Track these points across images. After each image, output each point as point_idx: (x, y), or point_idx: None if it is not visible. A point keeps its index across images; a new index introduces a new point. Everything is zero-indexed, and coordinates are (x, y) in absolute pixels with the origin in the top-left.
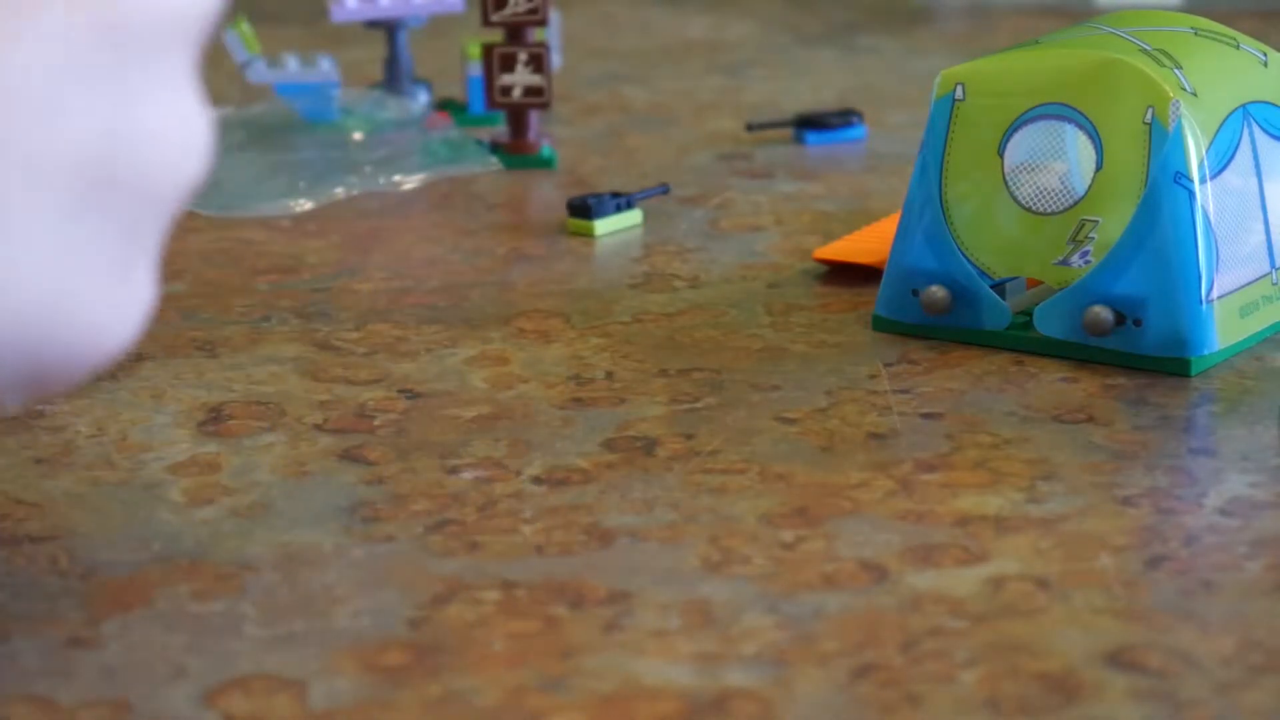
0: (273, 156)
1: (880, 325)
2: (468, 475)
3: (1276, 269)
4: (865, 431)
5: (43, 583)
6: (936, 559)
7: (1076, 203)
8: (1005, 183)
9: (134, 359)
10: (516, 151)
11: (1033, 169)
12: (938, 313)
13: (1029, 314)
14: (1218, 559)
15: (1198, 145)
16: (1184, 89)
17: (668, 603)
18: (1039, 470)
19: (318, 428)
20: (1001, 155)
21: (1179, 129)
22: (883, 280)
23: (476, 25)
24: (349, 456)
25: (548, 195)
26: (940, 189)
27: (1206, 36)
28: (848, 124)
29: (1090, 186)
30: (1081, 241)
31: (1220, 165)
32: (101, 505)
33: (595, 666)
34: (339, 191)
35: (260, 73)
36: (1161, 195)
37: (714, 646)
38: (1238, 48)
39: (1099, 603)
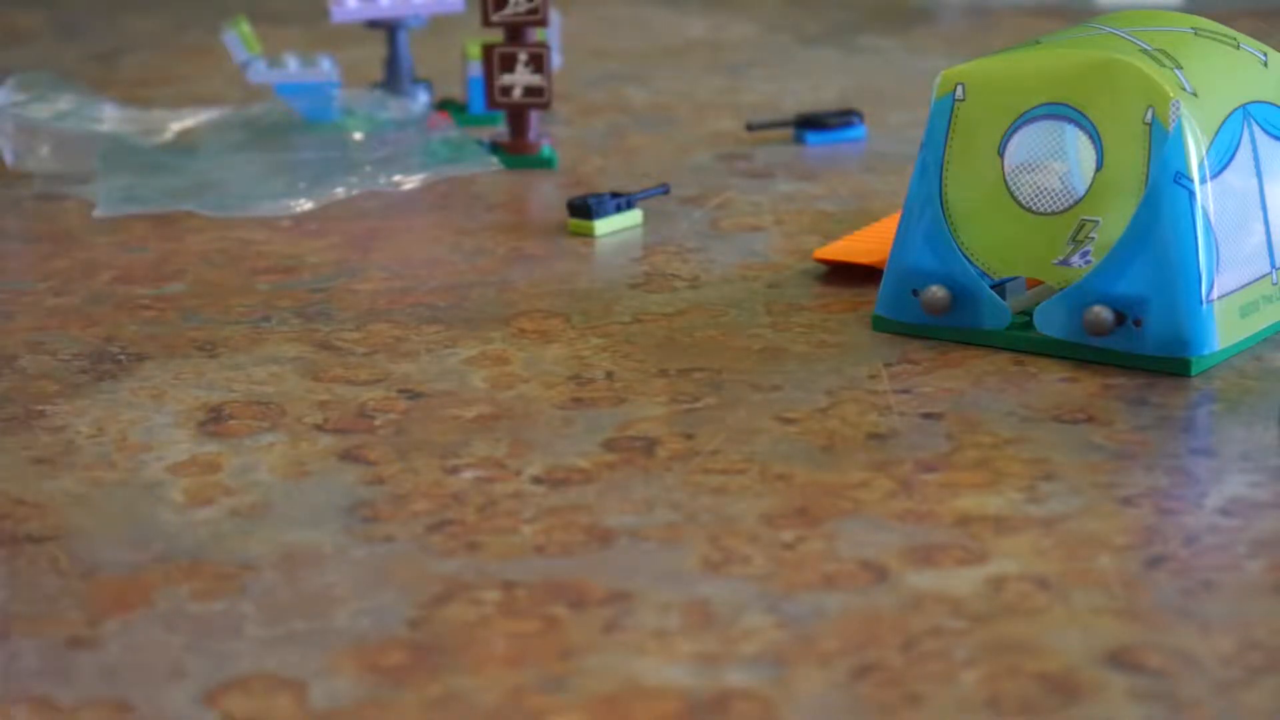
0: (273, 156)
1: (880, 325)
2: (468, 475)
3: (1276, 269)
4: (865, 431)
5: (43, 583)
6: (936, 559)
7: (1076, 203)
8: (1005, 183)
9: (134, 359)
10: (516, 151)
11: (1033, 169)
12: (938, 313)
13: (1029, 314)
14: (1218, 559)
15: (1198, 145)
16: (1184, 89)
17: (668, 603)
18: (1039, 470)
19: (318, 428)
20: (1001, 155)
21: (1179, 129)
22: (883, 280)
23: (476, 25)
24: (349, 456)
25: (548, 195)
26: (940, 189)
27: (1206, 36)
28: (848, 124)
29: (1090, 186)
30: (1081, 241)
31: (1220, 165)
32: (101, 505)
33: (595, 666)
34: (339, 191)
35: (260, 73)
36: (1161, 195)
37: (714, 646)
38: (1238, 48)
39: (1099, 603)
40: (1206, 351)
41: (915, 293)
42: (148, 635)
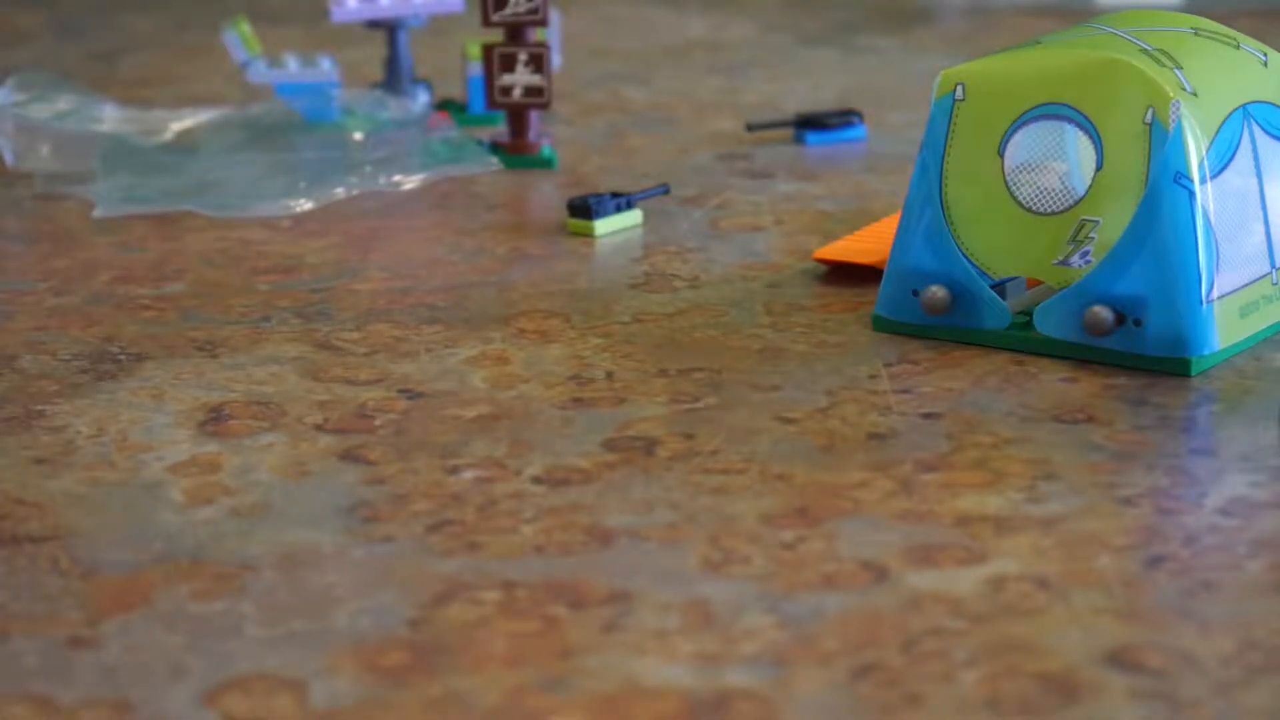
0: (273, 156)
1: (880, 325)
2: (468, 475)
3: (1276, 269)
4: (865, 431)
5: (43, 583)
6: (936, 559)
7: (1076, 203)
8: (1005, 183)
9: (134, 359)
10: (516, 151)
11: (1033, 169)
12: (938, 313)
13: (1029, 314)
14: (1218, 559)
15: (1198, 145)
16: (1184, 89)
17: (668, 603)
18: (1039, 470)
19: (318, 428)
20: (1001, 155)
21: (1179, 129)
22: (883, 280)
23: (476, 25)
24: (349, 456)
25: (548, 195)
26: (940, 189)
27: (1206, 36)
28: (848, 124)
29: (1090, 186)
30: (1081, 241)
31: (1220, 165)
32: (101, 505)
33: (595, 666)
34: (339, 191)
35: (260, 73)
36: (1161, 195)
37: (714, 646)
38: (1238, 48)
39: (1099, 603)
40: (1206, 351)
41: (915, 293)
42: (148, 635)
